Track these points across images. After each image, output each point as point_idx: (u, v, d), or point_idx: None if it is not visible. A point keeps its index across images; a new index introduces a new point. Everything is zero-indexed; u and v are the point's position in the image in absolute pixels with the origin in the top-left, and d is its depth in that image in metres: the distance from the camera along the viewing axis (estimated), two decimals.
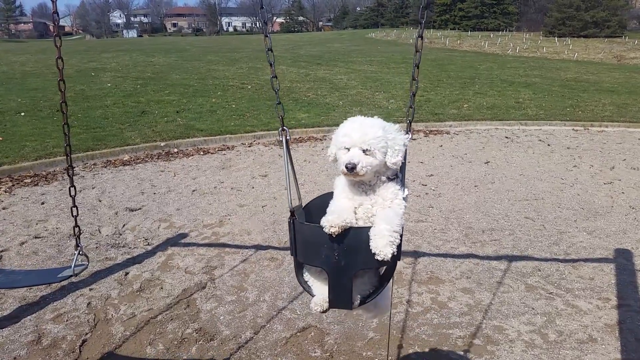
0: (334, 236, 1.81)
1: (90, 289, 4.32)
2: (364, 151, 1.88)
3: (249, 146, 9.71)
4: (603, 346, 3.59)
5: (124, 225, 5.76)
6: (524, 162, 8.69)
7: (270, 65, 2.11)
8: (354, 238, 1.82)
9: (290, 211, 2.02)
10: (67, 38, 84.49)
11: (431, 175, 7.89)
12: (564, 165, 8.51)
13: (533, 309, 4.05)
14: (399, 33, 54.17)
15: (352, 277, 1.89)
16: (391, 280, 2.11)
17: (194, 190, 7.02)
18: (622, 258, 5.01)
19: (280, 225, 5.74)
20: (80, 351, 3.51)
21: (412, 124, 2.06)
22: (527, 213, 6.26)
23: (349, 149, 1.90)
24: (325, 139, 10.18)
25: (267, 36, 2.11)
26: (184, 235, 5.51)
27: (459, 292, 4.32)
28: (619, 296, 4.25)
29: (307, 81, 17.72)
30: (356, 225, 1.88)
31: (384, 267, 2.09)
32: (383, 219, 1.84)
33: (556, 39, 44.44)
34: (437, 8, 74.02)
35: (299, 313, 3.99)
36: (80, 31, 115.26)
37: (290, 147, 2.08)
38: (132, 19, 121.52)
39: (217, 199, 6.68)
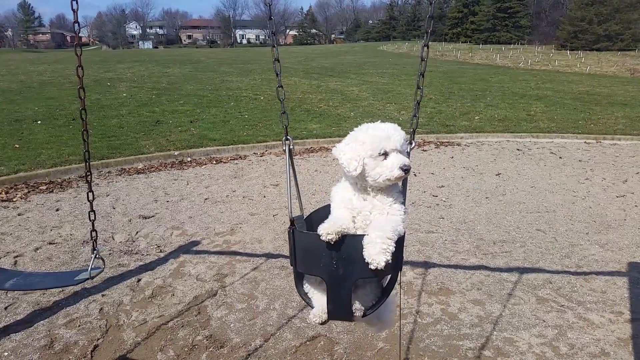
0: (332, 243, 1.78)
1: (103, 295, 4.37)
2: (400, 153, 1.93)
3: (261, 156, 9.78)
4: None
5: (137, 233, 5.83)
6: (535, 175, 8.65)
7: (277, 75, 2.14)
8: (351, 246, 1.80)
9: (290, 220, 2.02)
10: (84, 48, 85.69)
11: (442, 186, 7.89)
12: (575, 178, 8.45)
13: (544, 321, 4.03)
14: (411, 46, 54.44)
15: (351, 287, 1.86)
16: (396, 292, 2.06)
17: (206, 199, 7.09)
18: (635, 271, 4.95)
19: None
20: (91, 356, 3.55)
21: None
22: (539, 225, 6.23)
23: (386, 154, 1.91)
24: None
25: (275, 47, 2.16)
26: (196, 243, 5.56)
27: (470, 303, 4.31)
28: (632, 310, 4.21)
29: (319, 92, 17.85)
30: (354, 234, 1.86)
31: (387, 278, 2.05)
32: (375, 226, 1.82)
33: (568, 52, 44.34)
34: (448, 21, 74.48)
35: (308, 322, 3.99)
36: (96, 42, 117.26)
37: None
38: (147, 30, 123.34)
39: (229, 208, 6.74)
